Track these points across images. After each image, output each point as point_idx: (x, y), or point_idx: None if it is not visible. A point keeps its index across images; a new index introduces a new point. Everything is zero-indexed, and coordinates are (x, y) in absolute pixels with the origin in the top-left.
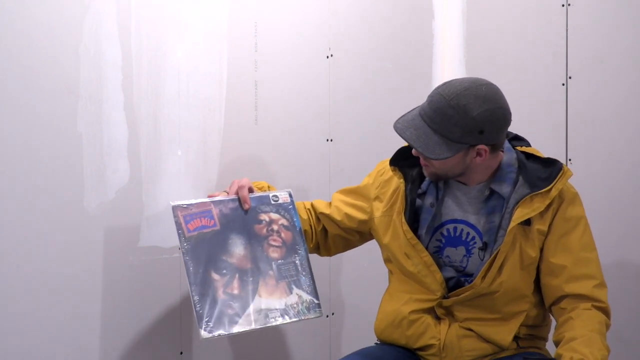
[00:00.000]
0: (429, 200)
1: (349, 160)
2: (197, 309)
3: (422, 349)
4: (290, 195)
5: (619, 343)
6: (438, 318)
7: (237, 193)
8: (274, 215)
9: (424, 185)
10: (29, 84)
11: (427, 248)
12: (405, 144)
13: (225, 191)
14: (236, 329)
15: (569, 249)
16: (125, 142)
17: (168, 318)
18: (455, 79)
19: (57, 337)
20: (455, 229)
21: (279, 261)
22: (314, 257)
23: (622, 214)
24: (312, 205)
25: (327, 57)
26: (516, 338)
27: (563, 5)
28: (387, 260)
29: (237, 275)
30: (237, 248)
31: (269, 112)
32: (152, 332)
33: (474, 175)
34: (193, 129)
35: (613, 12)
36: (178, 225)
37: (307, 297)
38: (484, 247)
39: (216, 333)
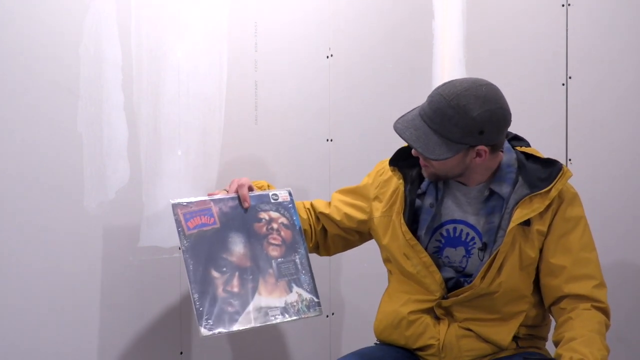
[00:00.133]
0: (428, 200)
1: (349, 160)
2: (197, 306)
3: (421, 349)
4: (290, 194)
5: (619, 343)
6: (437, 318)
7: (236, 191)
8: (274, 214)
9: (423, 186)
10: (29, 83)
11: (426, 249)
12: (405, 144)
13: (225, 189)
14: (236, 327)
15: (568, 250)
16: (125, 142)
17: (168, 318)
18: (456, 79)
19: (57, 337)
20: (454, 229)
21: (279, 260)
22: (313, 257)
23: (622, 214)
24: (311, 204)
25: (327, 57)
26: (516, 338)
27: (563, 5)
28: (386, 261)
29: (237, 274)
30: (237, 246)
31: (269, 112)
32: (152, 332)
33: (473, 175)
34: (193, 129)
35: (613, 12)
36: (178, 223)
37: (307, 296)
38: (484, 247)
39: (216, 331)
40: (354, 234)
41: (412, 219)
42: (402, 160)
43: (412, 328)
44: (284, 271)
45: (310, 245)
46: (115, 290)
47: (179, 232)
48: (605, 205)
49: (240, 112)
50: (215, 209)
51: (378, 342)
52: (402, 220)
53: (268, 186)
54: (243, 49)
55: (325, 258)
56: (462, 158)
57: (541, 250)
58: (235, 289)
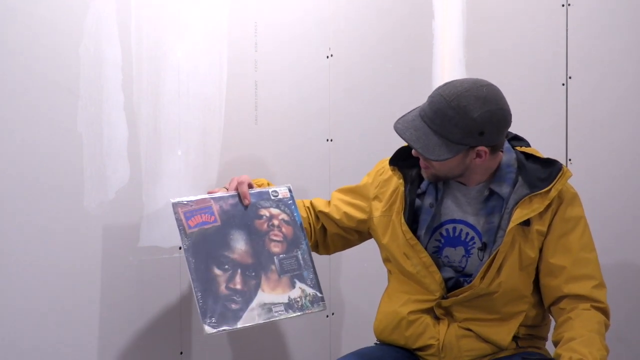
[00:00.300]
0: (428, 200)
1: (349, 160)
2: (200, 305)
3: (421, 349)
4: (290, 191)
5: (619, 343)
6: (437, 318)
7: (236, 189)
8: (274, 211)
9: (423, 186)
10: (29, 84)
11: (426, 248)
12: (405, 144)
13: (224, 187)
14: (240, 324)
15: (568, 250)
16: (125, 142)
17: (168, 318)
18: (456, 80)
19: (57, 337)
20: (454, 229)
21: (281, 256)
22: (314, 256)
23: (622, 214)
24: (311, 203)
25: (327, 56)
26: (515, 338)
27: (563, 5)
28: (385, 260)
29: (239, 271)
30: (239, 243)
31: (269, 112)
32: (152, 332)
33: (473, 176)
34: (193, 129)
35: (613, 12)
36: (179, 222)
37: (310, 291)
38: (483, 247)
39: (220, 328)
40: (353, 233)
41: (412, 218)
42: (402, 160)
43: (411, 328)
44: (286, 267)
45: (310, 243)
46: (115, 290)
47: (179, 231)
48: (605, 205)
49: (240, 112)
50: (215, 207)
51: (378, 342)
52: (403, 220)
53: (268, 184)
54: (243, 49)
55: (325, 258)
56: (462, 159)
57: (541, 250)
58: (238, 286)
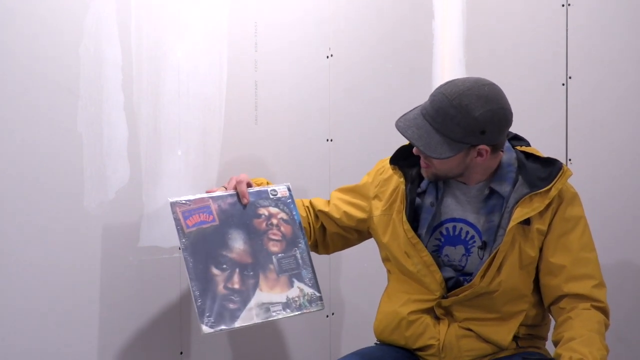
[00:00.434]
0: (428, 199)
1: (349, 160)
2: (199, 304)
3: (421, 349)
4: (289, 189)
5: (619, 343)
6: (437, 318)
7: (235, 188)
8: (273, 210)
9: (423, 185)
10: (29, 83)
11: (426, 247)
12: (405, 143)
13: (223, 187)
14: (238, 324)
15: (568, 249)
16: (125, 142)
17: (168, 318)
18: (458, 79)
19: (57, 337)
20: (454, 227)
21: (280, 255)
22: (313, 256)
23: (622, 214)
24: (310, 203)
25: (327, 56)
26: (515, 338)
27: (563, 5)
28: (385, 260)
29: (237, 270)
30: (237, 243)
31: (269, 112)
32: (152, 332)
33: (473, 175)
34: (193, 129)
35: (613, 12)
36: (177, 221)
37: (308, 290)
38: (483, 246)
39: (218, 328)
40: (353, 233)
41: (412, 217)
42: (402, 160)
43: (412, 328)
44: (284, 266)
45: (309, 243)
46: (115, 290)
47: (177, 230)
48: (605, 205)
49: (240, 112)
50: (214, 207)
51: (378, 342)
52: (404, 219)
53: (267, 183)
54: (243, 49)
55: (325, 258)
56: (463, 157)
57: (541, 250)
58: (236, 286)
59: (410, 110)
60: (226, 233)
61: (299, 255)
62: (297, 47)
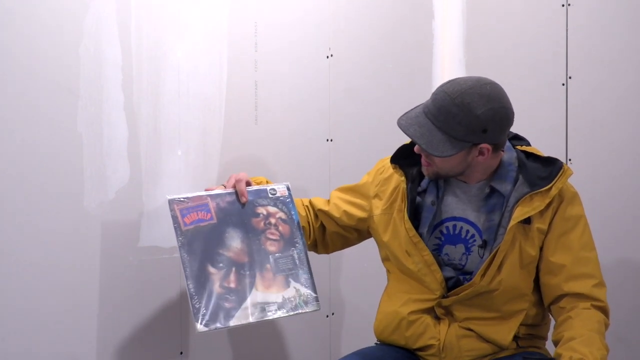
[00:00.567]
0: (429, 198)
1: (349, 160)
2: (194, 302)
3: (421, 349)
4: (288, 189)
5: (619, 343)
6: (437, 318)
7: (234, 187)
8: (272, 209)
9: (423, 184)
10: (29, 83)
11: (426, 246)
12: (405, 141)
13: (222, 185)
14: (233, 323)
15: (568, 248)
16: (125, 142)
17: (168, 318)
18: (460, 77)
19: (56, 337)
20: (454, 226)
21: (277, 254)
22: (314, 256)
23: (622, 213)
24: (310, 202)
25: (327, 57)
26: (516, 338)
27: (563, 5)
28: (385, 259)
29: (233, 269)
30: (234, 242)
31: (269, 112)
32: (152, 332)
33: (474, 174)
34: (193, 129)
35: (613, 12)
36: (174, 219)
37: (304, 291)
38: (484, 245)
39: (213, 327)
40: (353, 232)
41: (413, 216)
42: (403, 159)
43: (412, 328)
44: (281, 266)
45: (309, 242)
46: (115, 290)
47: (175, 228)
48: (605, 205)
49: (240, 112)
50: (212, 205)
51: (378, 342)
52: (406, 217)
53: (267, 182)
54: (243, 49)
55: (325, 258)
56: (465, 156)
57: (541, 249)
58: (232, 285)
59: (412, 109)
60: (224, 232)
61: (296, 256)
62: (297, 47)
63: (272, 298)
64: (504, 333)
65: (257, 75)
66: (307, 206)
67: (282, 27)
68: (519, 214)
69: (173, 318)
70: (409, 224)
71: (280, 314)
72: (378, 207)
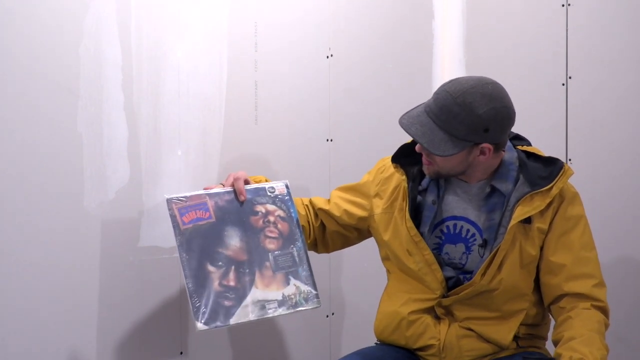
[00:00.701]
0: (430, 197)
1: (349, 160)
2: (194, 301)
3: (421, 349)
4: (287, 187)
5: (619, 343)
6: (438, 318)
7: (232, 185)
8: (270, 207)
9: (424, 183)
10: (29, 83)
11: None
12: (408, 140)
13: (221, 184)
14: (233, 321)
15: (568, 248)
16: (125, 142)
17: (168, 318)
18: (461, 77)
19: (56, 337)
20: (455, 225)
21: (276, 252)
22: (314, 256)
23: (622, 213)
24: (310, 201)
25: (327, 57)
26: (516, 337)
27: (563, 5)
28: (385, 259)
29: (233, 267)
30: (233, 240)
31: (269, 112)
32: (152, 332)
33: (475, 173)
34: (193, 129)
35: (613, 12)
36: (173, 218)
37: (304, 288)
38: (484, 244)
39: (212, 325)
40: (353, 231)
41: (414, 215)
42: (403, 158)
43: (412, 328)
44: (281, 264)
45: (309, 242)
46: (115, 290)
47: (173, 227)
48: (605, 204)
49: (240, 112)
50: (210, 203)
51: (378, 342)
52: (407, 216)
53: (266, 181)
54: (243, 49)
55: (325, 257)
56: (466, 155)
57: (541, 249)
58: (232, 283)
59: (414, 108)
60: (222, 230)
61: (295, 253)
62: (297, 47)
63: (272, 296)
64: (504, 333)
65: (257, 75)
66: (307, 205)
67: (282, 27)
68: (520, 213)
69: (173, 318)
70: (410, 223)
71: (280, 311)
72: (379, 206)
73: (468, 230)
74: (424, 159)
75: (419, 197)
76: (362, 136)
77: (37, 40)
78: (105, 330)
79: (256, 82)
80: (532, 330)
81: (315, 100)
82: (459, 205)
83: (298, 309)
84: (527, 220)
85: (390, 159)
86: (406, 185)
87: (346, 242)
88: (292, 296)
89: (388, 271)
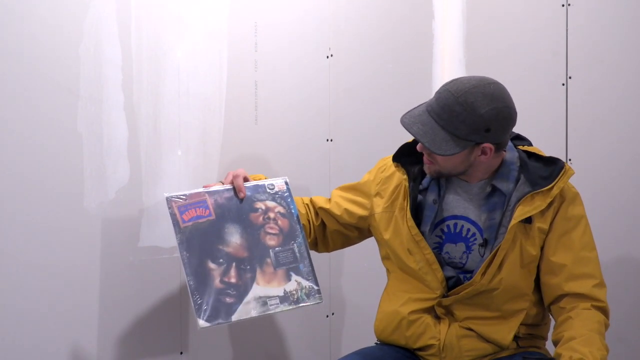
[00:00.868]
0: (431, 196)
1: (349, 160)
2: (195, 298)
3: (422, 349)
4: (286, 183)
5: (619, 343)
6: (438, 318)
7: (232, 182)
8: (270, 203)
9: (425, 182)
10: (29, 83)
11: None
12: (406, 140)
13: (220, 182)
14: (235, 318)
15: (569, 248)
16: (125, 142)
17: (168, 318)
18: (463, 77)
19: (56, 337)
20: (455, 225)
21: (277, 249)
22: (314, 256)
23: (622, 213)
24: (310, 200)
25: (327, 56)
26: (516, 337)
27: (563, 5)
28: (385, 258)
29: (234, 264)
30: (233, 237)
31: (269, 112)
32: (152, 331)
33: (476, 173)
34: (193, 129)
35: (613, 12)
36: (173, 216)
37: (306, 284)
38: (484, 243)
39: (215, 322)
40: (353, 230)
41: (415, 215)
42: (404, 157)
43: (412, 328)
44: (282, 260)
45: (309, 241)
46: (116, 290)
47: (173, 225)
48: (605, 204)
49: (240, 112)
50: (210, 201)
51: (378, 342)
52: (408, 215)
53: (265, 179)
54: (243, 49)
55: (326, 257)
56: (467, 155)
57: (542, 248)
58: (233, 280)
59: (415, 107)
60: (223, 227)
61: (296, 249)
62: (297, 47)
63: (273, 292)
64: (504, 333)
65: (257, 75)
66: (307, 204)
67: (282, 27)
68: (520, 213)
69: (173, 318)
70: (411, 222)
71: (282, 307)
72: (379, 205)
73: (468, 230)
74: (425, 158)
75: (419, 197)
76: (362, 136)
77: (37, 40)
78: (105, 330)
79: (256, 82)
80: (532, 330)
81: (315, 100)
82: (460, 204)
83: (300, 305)
84: (528, 220)
85: (390, 159)
86: (407, 184)
87: (347, 242)
88: (294, 292)
89: (388, 271)
